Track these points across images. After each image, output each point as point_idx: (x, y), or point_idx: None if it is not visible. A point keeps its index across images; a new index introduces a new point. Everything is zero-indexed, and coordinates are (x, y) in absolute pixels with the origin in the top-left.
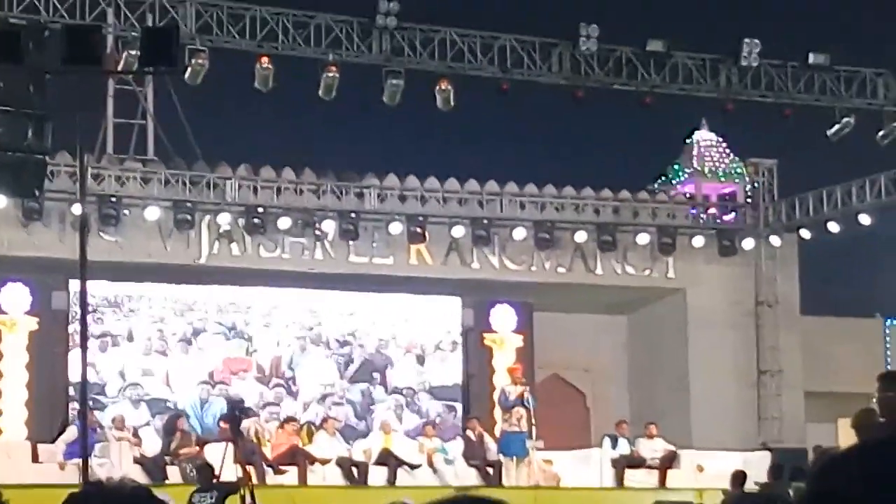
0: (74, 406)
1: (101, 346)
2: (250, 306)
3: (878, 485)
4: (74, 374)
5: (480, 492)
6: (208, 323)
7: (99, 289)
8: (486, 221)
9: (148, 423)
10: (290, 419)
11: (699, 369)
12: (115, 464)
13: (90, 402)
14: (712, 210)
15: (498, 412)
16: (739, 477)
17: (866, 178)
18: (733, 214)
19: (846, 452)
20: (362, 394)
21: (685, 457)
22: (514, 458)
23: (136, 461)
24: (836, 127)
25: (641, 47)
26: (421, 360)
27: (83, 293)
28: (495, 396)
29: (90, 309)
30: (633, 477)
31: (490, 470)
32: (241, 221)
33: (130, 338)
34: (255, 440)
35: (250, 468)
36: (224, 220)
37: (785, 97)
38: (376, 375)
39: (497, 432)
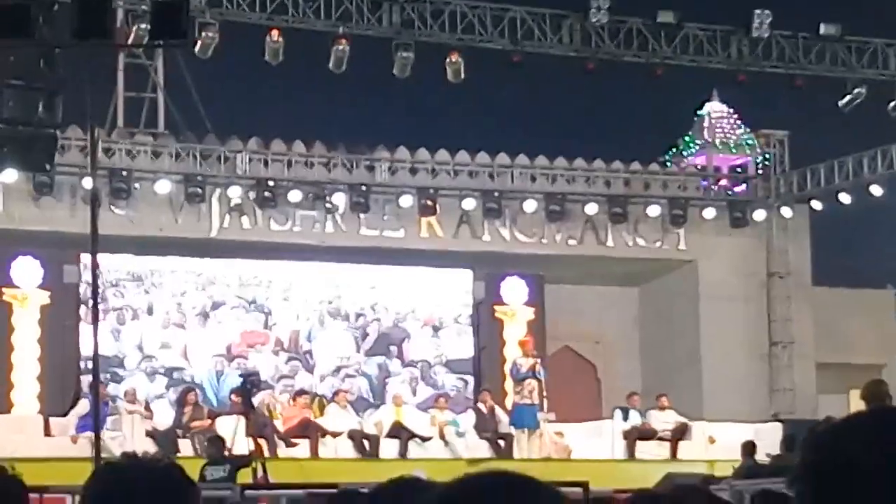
0: (89, 379)
1: (119, 318)
2: (272, 280)
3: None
4: (87, 348)
5: (491, 464)
6: (229, 297)
7: (123, 263)
8: (496, 194)
9: (162, 396)
10: (301, 392)
11: (710, 341)
12: (128, 437)
13: (106, 376)
14: (723, 182)
15: (509, 384)
16: (749, 447)
17: (878, 149)
18: (744, 186)
19: (856, 421)
20: (379, 367)
21: (696, 428)
22: (526, 430)
23: (148, 434)
24: (848, 98)
25: (652, 19)
26: (437, 333)
27: (94, 267)
28: (507, 369)
29: (112, 283)
30: (644, 449)
31: (501, 442)
32: (252, 195)
33: (150, 311)
34: (266, 413)
35: (262, 441)
36: (235, 193)
37: (796, 68)
38: (393, 349)
39: (508, 405)
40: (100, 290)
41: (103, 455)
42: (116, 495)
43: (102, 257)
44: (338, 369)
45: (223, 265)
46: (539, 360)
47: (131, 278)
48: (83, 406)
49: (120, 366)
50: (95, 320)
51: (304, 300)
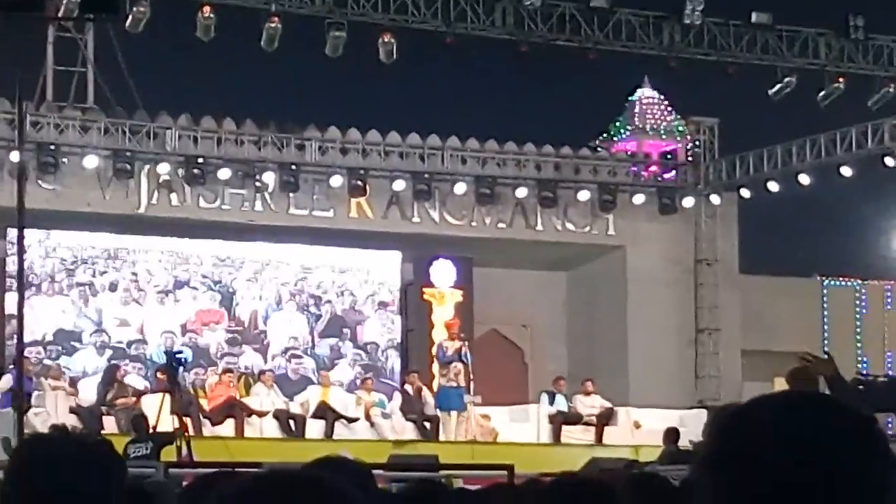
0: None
1: (81, 294)
2: (244, 261)
3: (782, 443)
4: (33, 324)
5: (417, 446)
6: (195, 276)
7: (98, 240)
8: (427, 176)
9: None
10: (226, 370)
11: (638, 327)
12: (52, 413)
13: (59, 348)
14: (653, 168)
15: (436, 367)
16: (671, 434)
17: (807, 139)
18: (674, 172)
19: (757, 405)
20: (331, 349)
21: (622, 414)
22: (452, 412)
23: (72, 411)
24: (778, 86)
25: (585, 3)
26: (389, 316)
27: (20, 241)
28: (433, 351)
29: (84, 259)
30: (569, 433)
31: (427, 424)
32: (181, 171)
33: (114, 288)
34: (192, 391)
35: (187, 419)
36: (163, 169)
37: (727, 56)
38: (346, 331)
39: (435, 387)
40: (73, 267)
41: (26, 431)
42: (43, 466)
43: (77, 235)
44: (286, 350)
45: (199, 245)
46: (465, 343)
47: (107, 256)
48: (6, 381)
49: (78, 340)
50: (21, 295)
51: (269, 280)
